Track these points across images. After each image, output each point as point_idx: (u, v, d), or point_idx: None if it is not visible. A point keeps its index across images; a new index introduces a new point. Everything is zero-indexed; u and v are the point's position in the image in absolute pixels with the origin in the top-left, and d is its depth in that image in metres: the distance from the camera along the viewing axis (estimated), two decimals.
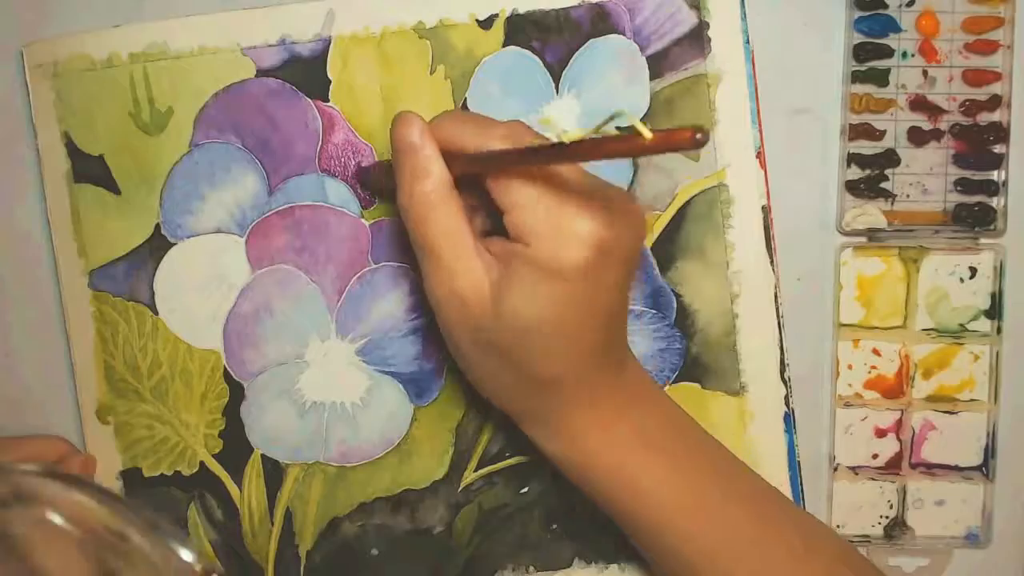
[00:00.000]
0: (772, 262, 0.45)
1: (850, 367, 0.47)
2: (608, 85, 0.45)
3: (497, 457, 0.47)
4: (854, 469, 0.47)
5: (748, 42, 0.44)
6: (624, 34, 0.45)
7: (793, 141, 0.46)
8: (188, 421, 0.46)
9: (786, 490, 0.45)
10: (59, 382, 0.48)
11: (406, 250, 0.45)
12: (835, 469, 0.47)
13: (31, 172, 0.47)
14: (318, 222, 0.46)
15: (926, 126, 0.46)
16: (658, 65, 0.45)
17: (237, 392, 0.46)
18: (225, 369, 0.46)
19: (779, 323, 0.45)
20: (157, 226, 0.46)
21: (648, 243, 0.45)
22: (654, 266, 0.45)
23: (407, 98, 0.45)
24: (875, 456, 0.47)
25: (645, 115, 0.45)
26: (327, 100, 0.45)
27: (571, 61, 0.45)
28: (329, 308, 0.46)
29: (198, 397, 0.46)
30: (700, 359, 0.46)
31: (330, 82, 0.45)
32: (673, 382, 0.46)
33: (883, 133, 0.46)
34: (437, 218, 0.35)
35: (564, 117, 0.45)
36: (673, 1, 0.45)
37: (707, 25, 0.44)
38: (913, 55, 0.46)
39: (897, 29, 0.46)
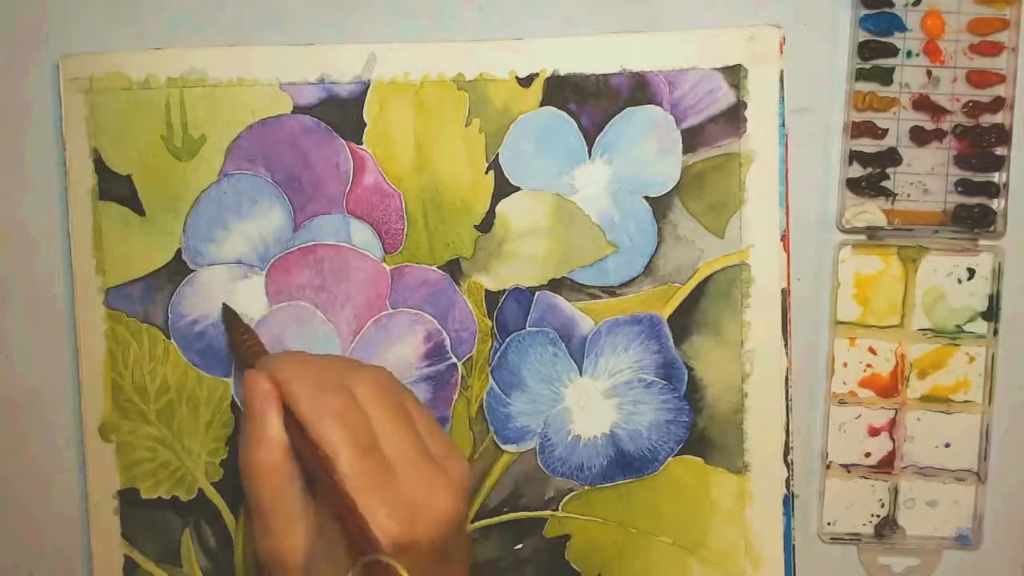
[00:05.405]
0: (786, 345, 0.45)
1: (845, 365, 0.47)
2: (640, 154, 0.45)
3: (495, 512, 0.47)
4: (847, 467, 0.47)
5: (783, 125, 0.45)
6: (661, 105, 0.45)
7: (795, 137, 0.45)
8: (191, 447, 0.46)
9: (779, 572, 0.46)
10: (62, 395, 0.47)
11: (425, 297, 0.46)
12: (828, 466, 0.47)
13: (55, 184, 0.47)
14: (340, 262, 0.46)
15: (928, 126, 0.46)
16: (692, 139, 0.45)
17: None
18: (233, 399, 0.46)
19: (787, 406, 0.45)
20: (178, 251, 0.46)
21: (665, 315, 0.46)
22: (669, 338, 0.46)
23: (440, 147, 0.45)
24: (868, 455, 0.47)
25: (675, 187, 0.45)
26: (360, 143, 0.45)
27: (606, 127, 0.45)
28: (342, 349, 0.46)
29: (203, 424, 0.46)
30: (706, 434, 0.46)
31: (365, 125, 0.45)
32: (676, 455, 0.46)
33: (885, 132, 0.46)
34: (269, 482, 0.38)
35: (593, 182, 0.45)
36: (713, 78, 0.45)
37: (744, 105, 0.45)
38: (918, 54, 0.46)
39: (902, 28, 0.45)
